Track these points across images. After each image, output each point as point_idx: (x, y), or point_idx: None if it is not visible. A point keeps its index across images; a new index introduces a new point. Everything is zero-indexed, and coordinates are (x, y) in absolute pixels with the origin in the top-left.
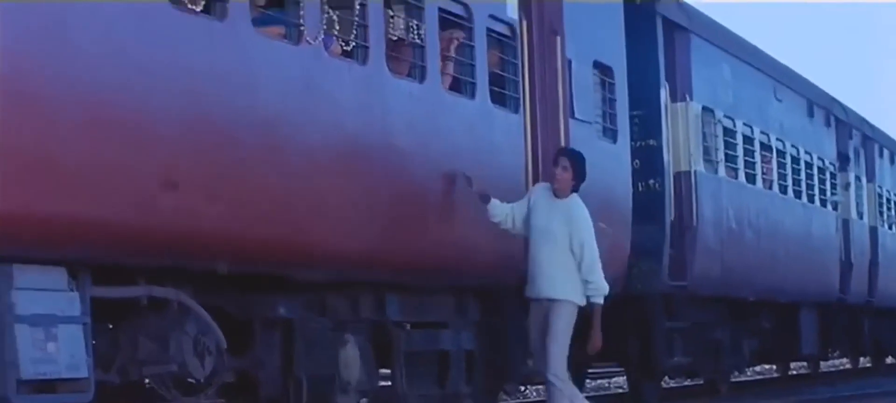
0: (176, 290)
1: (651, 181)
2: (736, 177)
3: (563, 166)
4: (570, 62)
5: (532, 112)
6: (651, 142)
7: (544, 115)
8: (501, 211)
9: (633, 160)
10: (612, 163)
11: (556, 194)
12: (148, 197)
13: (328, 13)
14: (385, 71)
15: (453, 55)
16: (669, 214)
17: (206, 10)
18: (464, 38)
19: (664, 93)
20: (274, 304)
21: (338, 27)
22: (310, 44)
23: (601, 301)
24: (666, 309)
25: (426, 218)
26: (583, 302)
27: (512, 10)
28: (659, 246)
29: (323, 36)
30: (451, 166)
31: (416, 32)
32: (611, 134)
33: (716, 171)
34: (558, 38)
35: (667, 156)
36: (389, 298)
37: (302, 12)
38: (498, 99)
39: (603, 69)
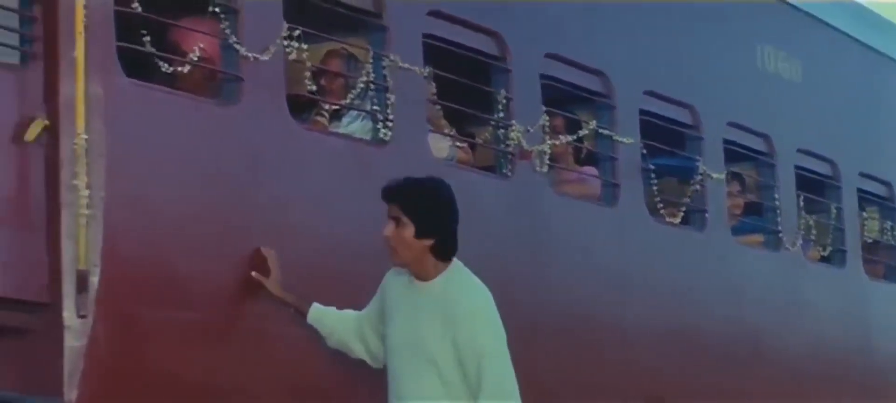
0: None
1: None
2: None
3: (390, 216)
4: None
5: None
6: None
7: None
8: (340, 329)
9: None
10: None
11: (416, 274)
12: None
13: (805, 218)
14: (862, 274)
15: None
16: None
17: (685, 221)
18: None
19: None
20: None
21: (814, 232)
22: (789, 250)
23: None
24: None
25: None
26: None
27: None
28: None
29: (801, 241)
30: None
31: (891, 233)
32: None
33: None
34: None
35: None
36: None
37: (779, 219)
38: None
39: None
